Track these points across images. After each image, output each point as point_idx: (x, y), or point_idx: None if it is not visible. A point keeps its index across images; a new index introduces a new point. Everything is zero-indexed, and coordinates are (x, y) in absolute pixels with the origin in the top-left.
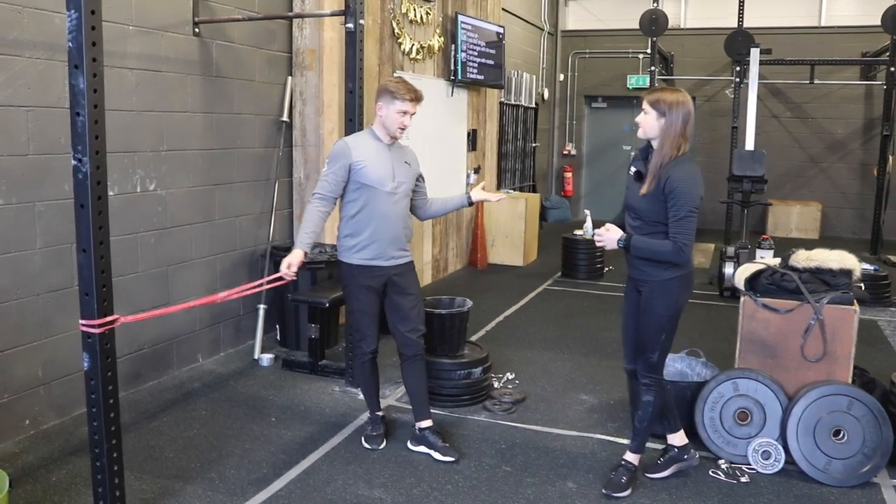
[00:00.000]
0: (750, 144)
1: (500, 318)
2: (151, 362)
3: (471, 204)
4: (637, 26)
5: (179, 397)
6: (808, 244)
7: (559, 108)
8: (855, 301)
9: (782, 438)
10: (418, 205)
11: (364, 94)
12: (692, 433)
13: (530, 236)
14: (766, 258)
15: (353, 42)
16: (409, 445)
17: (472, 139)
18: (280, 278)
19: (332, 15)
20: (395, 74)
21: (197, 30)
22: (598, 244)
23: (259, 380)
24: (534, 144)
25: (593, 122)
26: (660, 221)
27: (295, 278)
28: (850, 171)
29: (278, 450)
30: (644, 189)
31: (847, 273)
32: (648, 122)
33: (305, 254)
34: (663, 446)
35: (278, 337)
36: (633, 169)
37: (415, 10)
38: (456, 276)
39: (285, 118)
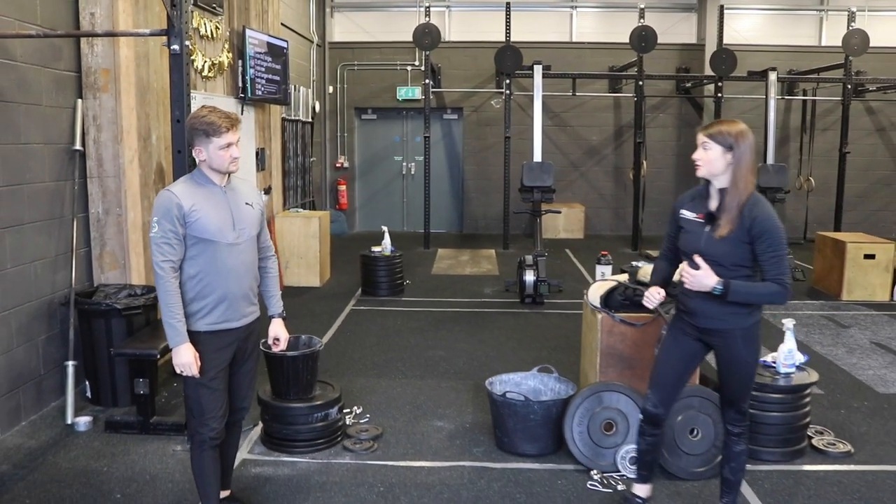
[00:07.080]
0: (538, 156)
1: (319, 346)
2: None
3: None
4: (404, 39)
5: None
6: (576, 243)
7: (330, 121)
8: None
9: None
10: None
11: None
12: (564, 449)
13: (325, 255)
14: (607, 273)
15: (178, 65)
16: None
17: (261, 158)
18: None
19: (153, 35)
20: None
21: None
22: (686, 284)
23: (83, 449)
24: (311, 159)
25: (364, 134)
26: (742, 265)
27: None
28: (606, 175)
29: None
30: (722, 232)
31: None
32: (712, 159)
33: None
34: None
35: (88, 394)
36: (689, 213)
37: (205, 24)
38: None
39: (78, 147)
